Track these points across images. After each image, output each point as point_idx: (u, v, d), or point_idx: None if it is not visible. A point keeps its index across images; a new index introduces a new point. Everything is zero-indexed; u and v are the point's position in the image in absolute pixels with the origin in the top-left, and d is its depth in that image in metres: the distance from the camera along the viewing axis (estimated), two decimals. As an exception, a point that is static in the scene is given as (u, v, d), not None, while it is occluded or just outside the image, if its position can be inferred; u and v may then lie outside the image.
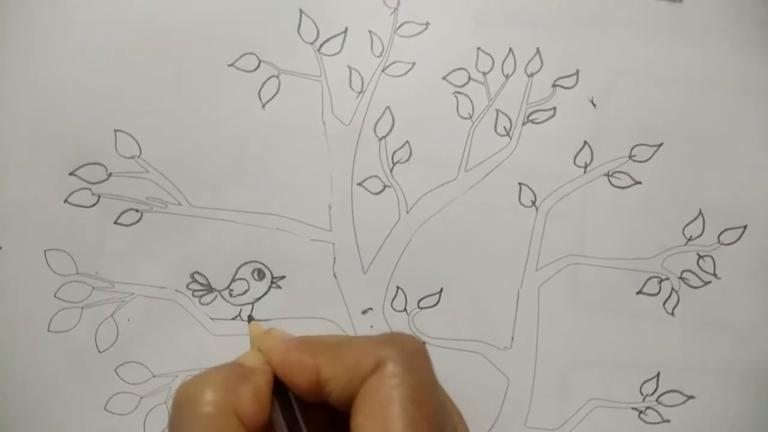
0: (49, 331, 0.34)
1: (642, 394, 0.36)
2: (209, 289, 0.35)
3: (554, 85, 0.36)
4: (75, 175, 0.34)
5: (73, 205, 0.34)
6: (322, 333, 0.33)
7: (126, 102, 0.35)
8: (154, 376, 0.35)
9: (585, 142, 0.36)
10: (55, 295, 0.34)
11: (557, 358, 0.36)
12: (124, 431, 0.35)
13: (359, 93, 0.36)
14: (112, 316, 0.35)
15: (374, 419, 0.24)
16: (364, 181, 0.35)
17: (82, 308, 0.35)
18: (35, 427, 0.34)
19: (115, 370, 0.35)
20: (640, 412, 0.36)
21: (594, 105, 0.36)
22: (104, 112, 0.34)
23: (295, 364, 0.27)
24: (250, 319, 0.34)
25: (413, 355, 0.26)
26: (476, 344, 0.36)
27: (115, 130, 0.34)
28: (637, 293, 0.36)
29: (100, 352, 0.35)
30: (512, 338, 0.35)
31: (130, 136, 0.34)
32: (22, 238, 0.34)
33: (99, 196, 0.34)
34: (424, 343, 0.34)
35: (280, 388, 0.27)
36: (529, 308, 0.36)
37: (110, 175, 0.34)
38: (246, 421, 0.25)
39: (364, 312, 0.36)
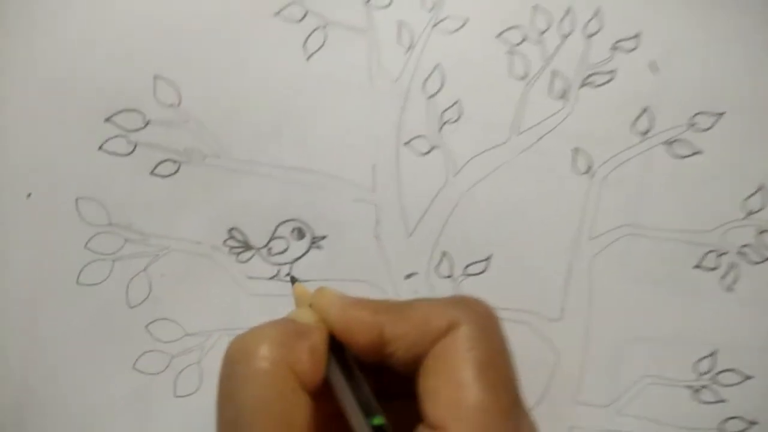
0: (78, 283, 0.33)
1: (697, 372, 0.34)
2: (247, 246, 0.34)
3: (614, 48, 0.35)
4: (111, 122, 0.33)
5: (108, 152, 0.33)
6: (362, 295, 0.31)
7: (167, 48, 0.34)
8: (186, 335, 0.34)
9: (644, 108, 0.35)
10: (85, 246, 0.33)
11: (609, 332, 0.35)
12: (154, 391, 0.34)
13: (408, 49, 0.35)
14: (145, 270, 0.34)
15: (449, 381, 0.23)
16: (411, 140, 0.34)
17: (113, 261, 0.34)
18: (60, 384, 0.34)
19: (146, 327, 0.34)
20: (696, 390, 0.34)
21: (655, 69, 0.35)
22: (144, 57, 0.34)
23: (355, 321, 0.26)
24: (293, 279, 0.33)
25: (487, 318, 0.25)
26: (524, 314, 0.35)
27: (155, 77, 0.33)
28: (695, 267, 0.35)
29: (130, 307, 0.34)
30: (562, 309, 0.34)
31: (170, 83, 0.33)
32: (53, 186, 0.33)
33: (135, 145, 0.33)
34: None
35: (335, 347, 0.26)
36: (581, 279, 0.34)
37: (148, 123, 0.33)
38: (303, 379, 0.24)
39: (408, 277, 0.35)
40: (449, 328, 0.24)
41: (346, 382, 0.26)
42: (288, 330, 0.25)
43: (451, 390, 0.23)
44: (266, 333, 0.25)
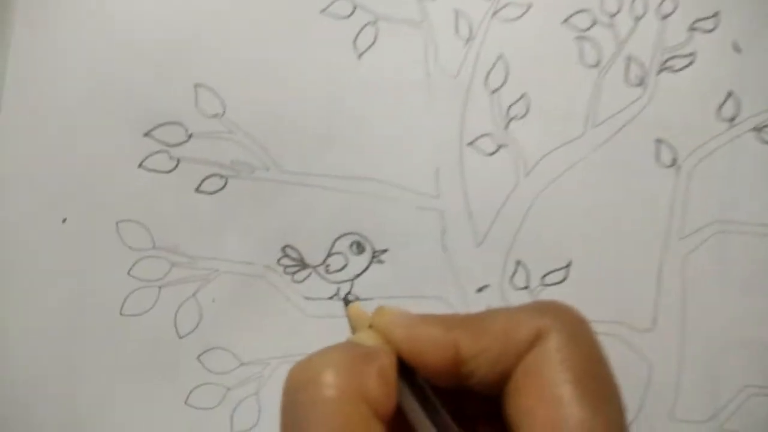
0: (121, 314, 0.31)
1: (810, 380, 0.31)
2: (303, 264, 0.31)
3: (691, 29, 0.32)
4: (150, 137, 0.31)
5: (149, 170, 0.31)
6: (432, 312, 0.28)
7: (207, 54, 0.31)
8: (242, 364, 0.31)
9: (729, 93, 0.32)
10: (128, 273, 0.31)
11: (706, 339, 0.32)
12: (209, 428, 0.31)
13: (467, 41, 0.32)
14: (194, 296, 0.31)
15: (545, 400, 0.21)
16: (476, 140, 0.32)
17: (159, 287, 0.31)
18: (105, 424, 0.30)
19: (197, 358, 0.31)
20: (810, 400, 0.31)
21: (738, 50, 0.32)
22: (183, 65, 0.31)
23: (426, 340, 0.24)
24: (347, 301, 0.30)
25: (578, 324, 0.22)
26: (612, 326, 0.31)
27: (196, 85, 0.31)
28: (799, 264, 0.31)
29: (180, 337, 0.31)
30: (654, 318, 0.31)
31: (213, 91, 0.31)
32: (91, 209, 0.31)
33: (178, 161, 0.31)
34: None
35: (405, 371, 0.23)
36: (673, 283, 0.31)
37: (190, 136, 0.31)
38: (374, 407, 0.22)
39: (480, 290, 0.32)
40: (537, 338, 0.22)
41: (422, 408, 0.23)
42: (354, 354, 0.23)
43: (550, 410, 0.21)
44: (330, 358, 0.22)
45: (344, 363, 0.22)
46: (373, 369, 0.22)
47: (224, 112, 0.31)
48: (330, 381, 0.21)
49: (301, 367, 0.22)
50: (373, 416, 0.21)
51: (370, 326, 0.25)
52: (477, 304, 0.32)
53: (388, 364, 0.23)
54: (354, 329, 0.27)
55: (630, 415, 0.32)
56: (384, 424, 0.21)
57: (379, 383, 0.22)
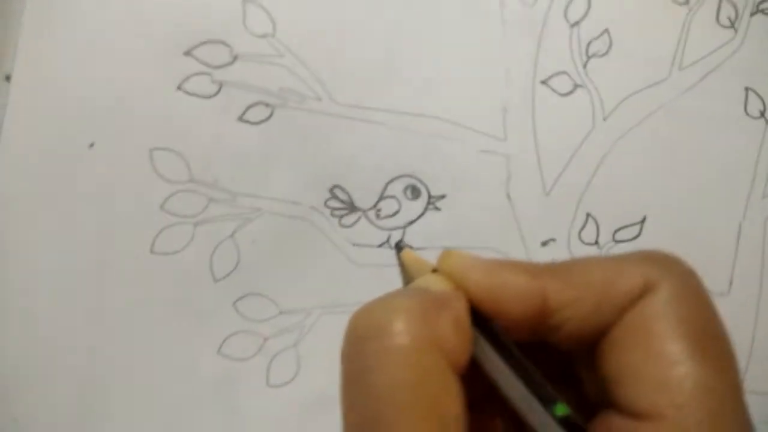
0: (152, 252, 0.28)
1: None
2: (352, 207, 0.29)
3: (793, -34, 0.29)
4: (191, 56, 0.28)
5: (188, 93, 0.28)
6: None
7: (256, -35, 0.27)
8: (281, 313, 0.29)
9: (830, 39, 0.29)
10: (161, 207, 0.28)
11: (785, 307, 0.29)
12: (243, 379, 0.29)
13: (547, -34, 0.29)
14: (232, 236, 0.28)
15: (655, 357, 0.19)
16: (550, 78, 0.29)
17: (195, 225, 0.28)
18: (134, 371, 0.28)
19: (233, 304, 0.28)
20: None
21: (842, -8, 0.29)
22: (229, -24, 0.27)
23: (508, 286, 0.22)
24: (400, 247, 0.28)
25: (691, 277, 0.21)
26: (686, 288, 0.29)
27: (244, 1, 0.27)
28: None
29: (215, 280, 0.28)
30: (730, 282, 0.29)
31: (263, 8, 0.27)
32: (123, 134, 0.28)
33: (221, 84, 0.28)
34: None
35: (480, 320, 0.21)
36: (753, 245, 0.29)
37: (236, 57, 0.28)
38: (450, 357, 0.20)
39: (545, 243, 0.29)
40: (644, 291, 0.20)
41: (502, 360, 0.21)
42: (426, 299, 0.21)
43: (662, 367, 0.19)
44: (401, 303, 0.20)
45: (416, 309, 0.20)
46: (448, 316, 0.21)
47: (274, 32, 0.28)
48: (402, 328, 0.19)
49: (368, 312, 0.20)
50: (449, 367, 0.20)
51: (434, 271, 0.22)
52: (541, 259, 0.29)
53: (463, 311, 0.21)
54: (409, 277, 0.25)
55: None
56: (459, 376, 0.20)
57: (455, 331, 0.20)
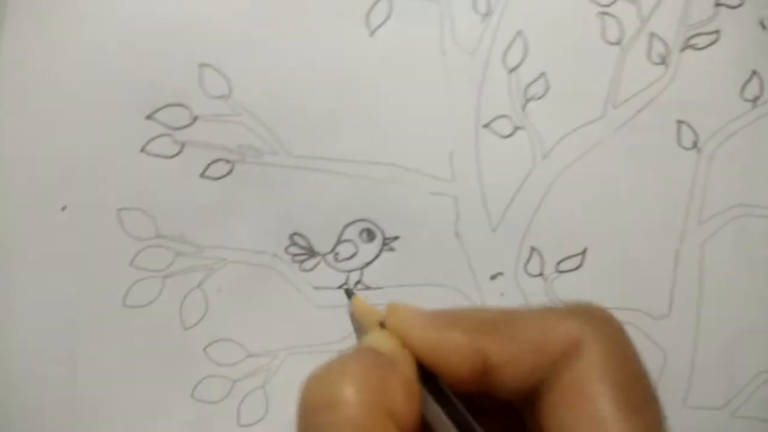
0: (125, 305, 0.30)
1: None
2: (311, 252, 0.31)
3: (717, 5, 0.31)
4: (153, 119, 0.30)
5: (152, 155, 0.30)
6: (445, 304, 0.28)
7: (212, 33, 0.30)
8: (249, 356, 0.31)
9: (754, 72, 0.32)
10: (131, 263, 0.30)
11: (722, 326, 0.32)
12: (216, 421, 0.31)
13: (485, 16, 0.31)
14: (199, 286, 0.31)
15: (588, 419, 0.20)
16: (492, 122, 0.31)
17: (163, 278, 0.30)
18: (111, 419, 0.30)
19: (203, 350, 0.31)
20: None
21: (764, 27, 0.31)
22: (187, 44, 0.30)
23: (450, 345, 0.22)
24: (349, 293, 0.30)
25: (617, 332, 0.22)
26: (627, 313, 0.32)
27: (200, 65, 0.30)
28: (819, 249, 0.31)
29: (185, 328, 0.31)
30: (670, 305, 0.32)
31: (219, 72, 0.30)
32: (92, 196, 0.30)
33: (182, 145, 0.30)
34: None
35: (425, 376, 0.23)
36: (690, 269, 0.31)
37: (195, 118, 0.30)
38: (400, 421, 0.20)
39: (493, 277, 0.31)
40: (574, 348, 0.21)
41: (451, 419, 0.23)
42: (375, 364, 0.21)
43: (595, 428, 0.20)
44: (350, 371, 0.21)
45: (366, 376, 0.21)
46: (396, 380, 0.21)
47: (230, 93, 0.30)
48: (352, 398, 0.20)
49: (318, 382, 0.21)
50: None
51: (381, 325, 0.24)
52: (490, 292, 0.32)
53: (411, 372, 0.22)
54: (360, 326, 0.27)
55: (646, 403, 0.32)
56: None
57: (405, 395, 0.21)
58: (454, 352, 0.22)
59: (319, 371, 0.21)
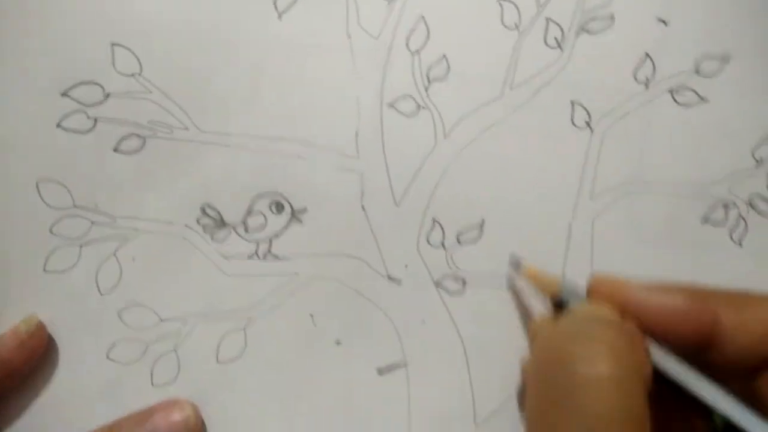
0: (45, 270, 0.34)
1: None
2: (222, 223, 0.35)
3: (611, -10, 0.36)
4: (68, 96, 0.34)
5: (67, 130, 0.34)
6: (352, 274, 0.33)
7: (123, 12, 0.34)
8: (161, 321, 0.35)
9: (646, 54, 0.36)
10: (50, 231, 0.34)
11: (612, 297, 0.36)
12: (130, 381, 0.36)
13: (389, 1, 0.35)
14: (114, 254, 0.35)
15: None
16: (396, 101, 0.35)
17: (80, 246, 0.35)
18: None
19: (118, 315, 0.35)
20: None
21: (656, 12, 0.35)
22: (99, 24, 0.34)
23: (675, 307, 0.25)
24: (517, 262, 0.34)
25: None
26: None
27: (113, 44, 0.34)
28: (703, 222, 0.36)
29: (101, 294, 0.35)
30: (563, 275, 0.35)
31: (130, 50, 0.34)
32: (10, 168, 0.34)
33: (95, 120, 0.34)
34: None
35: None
36: (582, 242, 0.36)
37: (108, 95, 0.34)
38: (647, 382, 0.24)
39: (397, 249, 0.36)
40: None
41: (700, 379, 0.25)
42: (621, 330, 0.24)
43: None
44: (604, 335, 0.24)
45: (619, 340, 0.23)
46: (641, 343, 0.24)
47: (141, 70, 0.34)
48: (610, 360, 0.23)
49: (570, 340, 0.24)
50: (647, 391, 0.23)
51: (590, 293, 0.28)
52: (394, 263, 0.36)
53: (641, 336, 0.25)
54: (525, 297, 0.31)
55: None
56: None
57: (648, 357, 0.24)
58: (680, 313, 0.25)
59: (561, 333, 0.24)
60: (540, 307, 0.32)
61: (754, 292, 0.26)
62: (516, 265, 0.35)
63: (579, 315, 0.27)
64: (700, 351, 0.25)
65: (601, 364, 0.23)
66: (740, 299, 0.25)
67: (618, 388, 0.22)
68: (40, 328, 0.34)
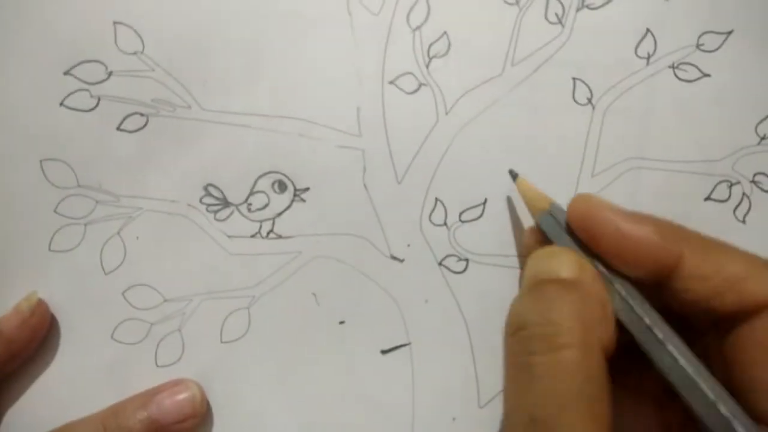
0: (50, 250, 0.35)
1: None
2: (225, 203, 0.36)
3: (612, -34, 0.36)
4: (71, 75, 0.35)
5: (70, 108, 0.35)
6: (354, 252, 0.33)
7: (125, -9, 0.35)
8: (165, 301, 0.36)
9: (648, 30, 0.36)
10: (55, 211, 0.35)
11: (616, 274, 0.36)
12: (134, 362, 0.36)
13: (389, -22, 0.36)
14: (118, 233, 0.36)
15: None
16: (397, 78, 0.36)
17: (85, 225, 0.35)
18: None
19: (122, 294, 0.36)
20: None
21: (657, -12, 0.36)
22: (101, 2, 0.35)
23: (643, 238, 0.25)
24: (514, 174, 0.35)
25: None
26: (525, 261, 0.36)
27: (115, 23, 0.35)
28: (705, 199, 0.36)
29: (106, 273, 0.36)
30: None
31: (132, 28, 0.35)
32: (14, 148, 0.35)
33: (99, 99, 0.35)
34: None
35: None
36: (585, 219, 0.36)
37: (110, 74, 0.35)
38: (607, 354, 0.24)
39: (400, 227, 0.36)
40: None
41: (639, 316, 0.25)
42: (581, 300, 0.24)
43: None
44: (566, 311, 0.24)
45: (577, 313, 0.23)
46: (601, 311, 0.24)
47: (143, 49, 0.35)
48: (567, 336, 0.23)
49: (534, 320, 0.24)
50: (605, 361, 0.24)
51: (549, 206, 0.30)
52: (396, 241, 0.36)
53: (605, 295, 0.25)
54: (531, 207, 0.32)
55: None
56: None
57: (610, 326, 0.24)
58: (646, 246, 0.25)
59: (525, 302, 0.24)
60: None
61: (727, 243, 0.26)
62: (514, 177, 0.35)
63: (539, 268, 0.27)
64: (661, 288, 0.25)
65: (556, 339, 0.23)
66: (709, 246, 0.25)
67: (572, 363, 0.23)
68: (41, 305, 0.35)
